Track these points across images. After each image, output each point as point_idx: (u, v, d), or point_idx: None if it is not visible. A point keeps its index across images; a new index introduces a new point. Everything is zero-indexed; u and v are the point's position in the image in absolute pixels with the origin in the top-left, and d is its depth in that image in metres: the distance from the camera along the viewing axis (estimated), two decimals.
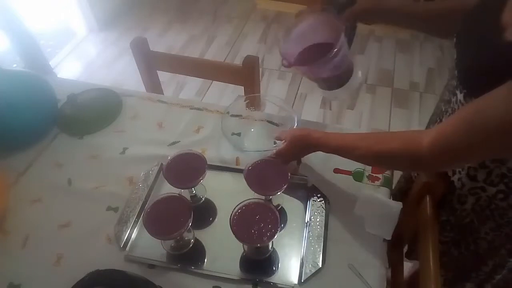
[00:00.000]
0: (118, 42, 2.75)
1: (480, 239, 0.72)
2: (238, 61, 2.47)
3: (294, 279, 0.67)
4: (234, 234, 0.62)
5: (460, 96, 0.61)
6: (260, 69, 2.38)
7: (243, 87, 1.14)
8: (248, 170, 0.73)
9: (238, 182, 0.80)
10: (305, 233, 0.72)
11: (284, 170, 0.73)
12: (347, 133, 0.70)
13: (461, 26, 0.64)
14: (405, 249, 0.89)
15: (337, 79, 0.82)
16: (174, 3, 3.14)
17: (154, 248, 0.71)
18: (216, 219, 0.77)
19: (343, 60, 0.77)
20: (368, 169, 0.83)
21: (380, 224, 0.73)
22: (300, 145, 0.75)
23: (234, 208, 0.65)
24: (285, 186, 0.70)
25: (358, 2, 0.75)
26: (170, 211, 0.67)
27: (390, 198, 0.79)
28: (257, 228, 0.63)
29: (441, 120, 0.71)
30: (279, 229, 0.63)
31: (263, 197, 0.71)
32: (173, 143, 0.92)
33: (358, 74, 0.83)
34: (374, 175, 0.82)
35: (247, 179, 0.71)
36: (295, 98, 2.20)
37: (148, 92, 1.24)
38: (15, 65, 2.29)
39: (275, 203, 0.77)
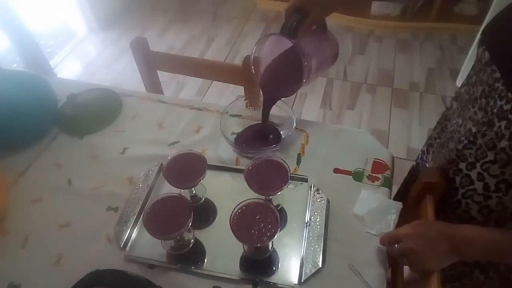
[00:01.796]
0: (118, 42, 2.76)
1: None
2: (238, 61, 2.47)
3: (294, 279, 0.67)
4: (234, 234, 0.62)
5: None
6: None
7: (243, 87, 1.14)
8: (248, 170, 0.73)
9: (238, 182, 0.81)
10: (305, 233, 0.72)
11: (284, 170, 0.72)
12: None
13: (492, 40, 0.60)
14: None
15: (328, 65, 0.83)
16: (174, 3, 3.14)
17: (154, 248, 0.71)
18: (216, 219, 0.77)
19: (321, 57, 0.78)
20: (368, 169, 0.83)
21: (380, 224, 0.73)
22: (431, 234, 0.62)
23: (234, 208, 0.65)
24: (285, 186, 0.70)
25: (310, 14, 0.68)
26: (170, 211, 0.67)
27: (390, 198, 0.79)
28: (257, 228, 0.63)
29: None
30: (279, 229, 0.63)
31: (263, 197, 0.71)
32: (173, 143, 0.92)
33: (346, 41, 0.81)
34: (374, 175, 0.82)
35: (247, 179, 0.71)
36: (295, 97, 2.20)
37: (148, 92, 1.24)
38: (15, 65, 2.30)
39: (275, 203, 0.77)
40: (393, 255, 0.67)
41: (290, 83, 0.80)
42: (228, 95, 2.26)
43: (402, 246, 0.63)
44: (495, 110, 0.58)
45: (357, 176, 0.82)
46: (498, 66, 0.58)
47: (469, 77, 0.70)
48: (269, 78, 0.82)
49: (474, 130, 0.63)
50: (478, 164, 0.64)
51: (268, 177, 0.72)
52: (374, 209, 0.74)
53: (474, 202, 0.67)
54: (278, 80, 0.82)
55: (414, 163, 1.00)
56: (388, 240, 0.67)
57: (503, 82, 0.56)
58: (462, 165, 0.68)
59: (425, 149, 0.92)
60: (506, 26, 0.59)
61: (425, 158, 0.92)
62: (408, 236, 0.63)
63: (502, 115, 0.57)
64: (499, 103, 0.57)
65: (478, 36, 1.93)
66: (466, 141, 0.65)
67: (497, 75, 0.58)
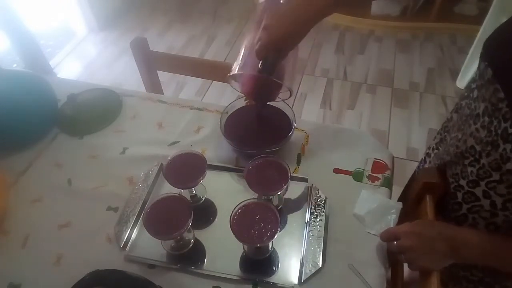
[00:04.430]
0: (118, 42, 2.76)
1: None
2: None
3: (294, 279, 0.67)
4: (234, 234, 0.62)
5: None
6: None
7: None
8: (248, 170, 0.73)
9: (238, 182, 0.81)
10: (305, 233, 0.72)
11: (284, 170, 0.72)
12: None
13: (496, 58, 0.57)
14: None
15: None
16: (174, 3, 3.14)
17: (154, 248, 0.71)
18: (216, 219, 0.77)
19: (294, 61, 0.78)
20: (368, 169, 0.83)
21: (380, 224, 0.73)
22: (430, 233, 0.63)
23: (234, 208, 0.65)
24: (285, 186, 0.70)
25: (283, 50, 0.66)
26: (170, 211, 0.67)
27: (390, 198, 0.79)
28: (257, 228, 0.63)
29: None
30: (279, 229, 0.63)
31: (263, 197, 0.71)
32: (173, 143, 0.92)
33: None
34: (374, 175, 0.82)
35: (247, 179, 0.71)
36: (295, 98, 2.20)
37: (148, 92, 1.24)
38: (15, 65, 2.30)
39: (275, 203, 0.77)
40: (392, 252, 0.67)
41: (271, 92, 0.80)
42: (228, 95, 2.26)
43: (400, 244, 0.64)
44: (499, 131, 0.56)
45: (357, 176, 0.82)
46: (502, 86, 0.55)
47: (469, 89, 0.67)
48: (251, 91, 0.81)
49: (478, 148, 0.61)
50: (482, 183, 0.62)
51: (268, 177, 0.72)
52: (374, 209, 0.74)
53: (481, 217, 0.66)
54: (260, 92, 0.81)
55: (414, 171, 0.99)
56: (387, 237, 0.67)
57: (508, 104, 0.53)
58: (463, 182, 0.66)
59: (424, 158, 0.91)
60: (510, 42, 0.56)
61: (422, 167, 0.91)
62: (406, 233, 0.64)
63: (507, 138, 0.54)
64: (503, 124, 0.55)
65: (478, 36, 1.93)
66: (471, 158, 0.63)
67: (501, 95, 0.55)
